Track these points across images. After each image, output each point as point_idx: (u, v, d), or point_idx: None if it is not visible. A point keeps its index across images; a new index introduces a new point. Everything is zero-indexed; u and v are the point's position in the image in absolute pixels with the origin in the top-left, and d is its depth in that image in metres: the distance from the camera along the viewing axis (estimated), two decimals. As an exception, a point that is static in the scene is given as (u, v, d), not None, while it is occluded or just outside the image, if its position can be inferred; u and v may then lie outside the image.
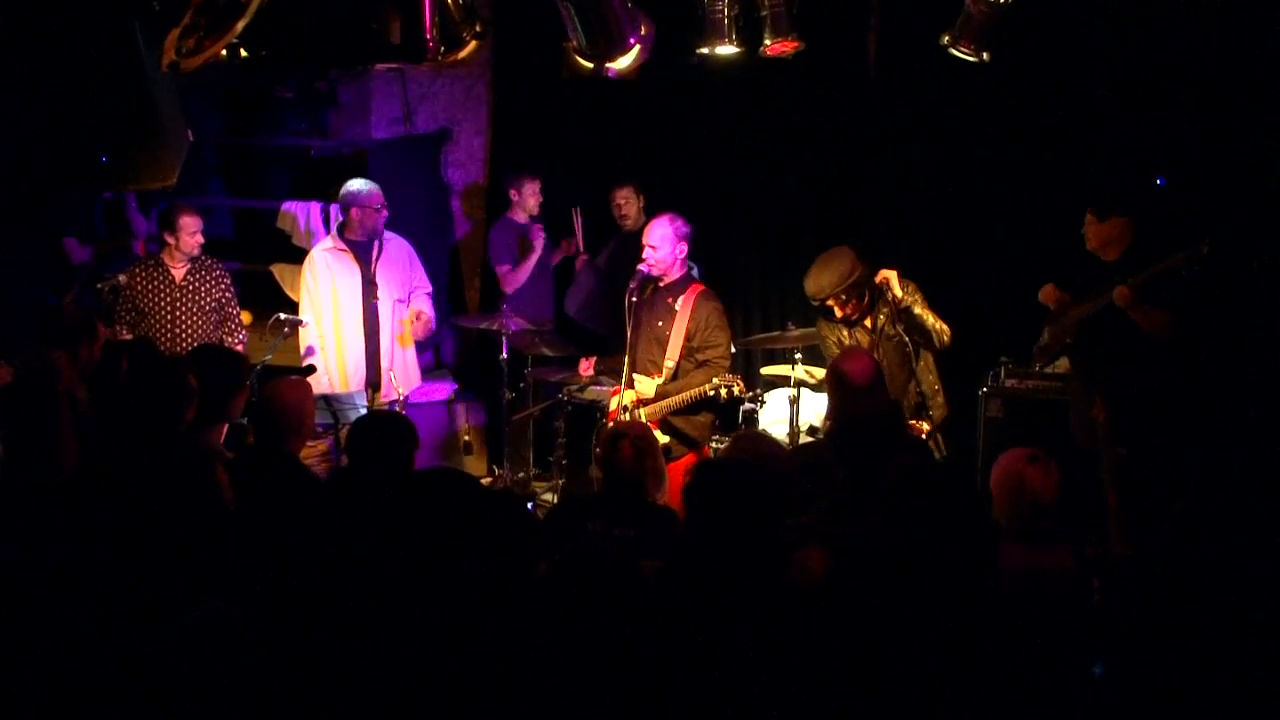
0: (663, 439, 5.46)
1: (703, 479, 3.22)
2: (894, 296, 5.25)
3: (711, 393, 5.38)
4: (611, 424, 5.40)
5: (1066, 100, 6.28)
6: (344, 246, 6.29)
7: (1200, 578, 3.05)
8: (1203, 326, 5.10)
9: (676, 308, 5.53)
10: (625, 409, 5.51)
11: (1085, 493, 4.55)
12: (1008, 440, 5.85)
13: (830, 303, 5.32)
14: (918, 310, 5.25)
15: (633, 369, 5.62)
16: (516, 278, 7.05)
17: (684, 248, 5.58)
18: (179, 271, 6.12)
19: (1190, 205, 5.75)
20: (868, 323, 5.41)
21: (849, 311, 5.35)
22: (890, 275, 5.29)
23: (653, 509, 4.08)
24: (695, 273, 5.96)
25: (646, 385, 5.56)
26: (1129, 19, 5.72)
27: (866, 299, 5.35)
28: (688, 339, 5.49)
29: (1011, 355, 6.01)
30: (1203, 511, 3.16)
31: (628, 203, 6.96)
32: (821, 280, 5.30)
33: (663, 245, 5.54)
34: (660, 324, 5.60)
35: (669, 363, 5.50)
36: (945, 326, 5.31)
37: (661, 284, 5.63)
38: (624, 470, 4.03)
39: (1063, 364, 5.67)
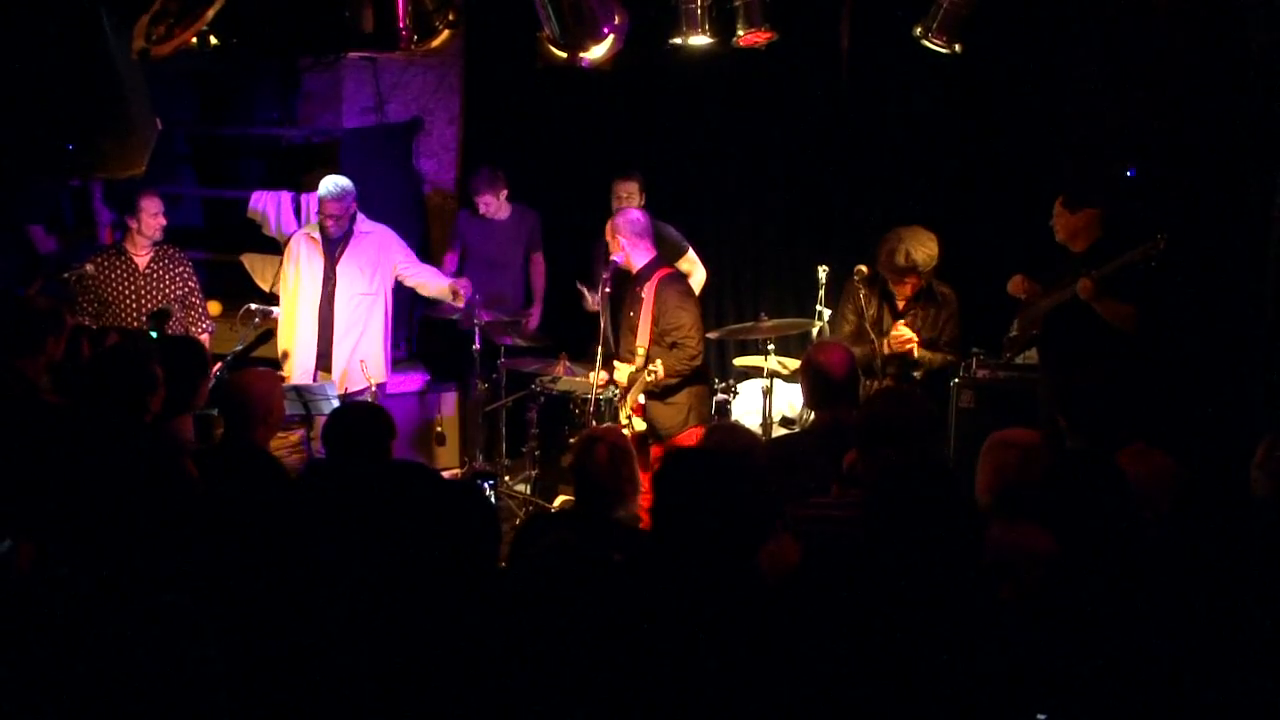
0: (640, 426, 5.57)
1: (673, 468, 3.21)
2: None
3: (649, 377, 5.44)
4: (592, 429, 5.40)
5: (1038, 92, 6.31)
6: (316, 236, 6.34)
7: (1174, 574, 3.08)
8: (1163, 319, 5.14)
9: (643, 295, 5.64)
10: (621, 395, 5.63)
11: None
12: (979, 431, 5.89)
13: (925, 267, 5.34)
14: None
15: (608, 356, 5.71)
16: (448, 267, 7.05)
17: (621, 241, 5.67)
18: (142, 259, 6.07)
19: (1160, 197, 5.79)
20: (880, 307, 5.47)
21: (916, 287, 5.41)
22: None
23: (627, 530, 3.82)
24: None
25: (622, 373, 5.66)
26: (1101, 12, 5.75)
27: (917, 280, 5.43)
28: (654, 323, 5.57)
29: (983, 346, 6.03)
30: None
31: (630, 198, 6.70)
32: (931, 249, 5.35)
33: (613, 241, 5.70)
34: (633, 314, 5.72)
35: (640, 349, 5.59)
36: (937, 356, 5.45)
37: (632, 274, 5.68)
38: (598, 476, 3.77)
39: (1033, 355, 5.70)
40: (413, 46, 5.29)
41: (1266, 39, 5.29)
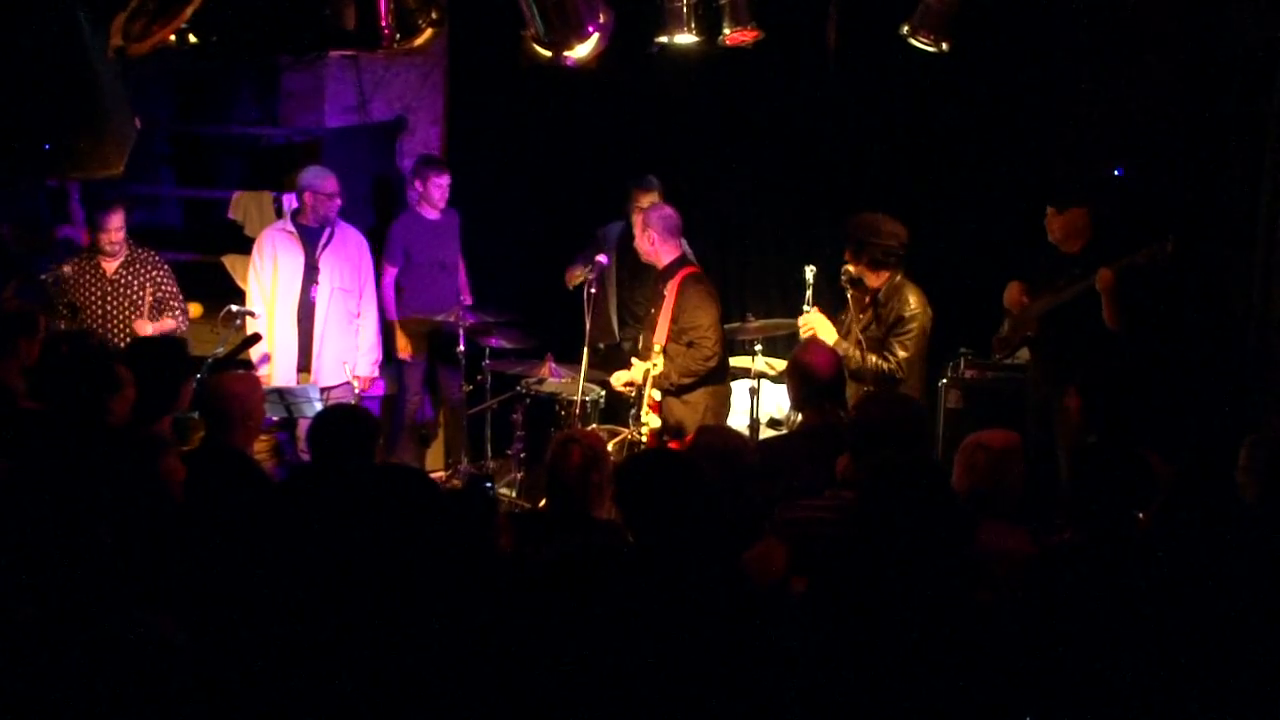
0: (655, 423, 5.55)
1: (627, 473, 3.23)
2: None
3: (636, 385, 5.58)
4: (566, 431, 5.38)
5: (1026, 90, 6.31)
6: (293, 230, 6.31)
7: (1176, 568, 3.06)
8: (1162, 319, 5.13)
9: (665, 293, 5.63)
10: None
11: (1039, 482, 4.55)
12: (967, 431, 5.87)
13: (852, 229, 5.20)
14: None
15: (592, 359, 5.74)
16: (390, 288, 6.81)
17: (654, 235, 5.65)
18: (110, 265, 6.03)
19: (1149, 196, 5.79)
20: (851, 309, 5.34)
21: (858, 264, 5.22)
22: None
23: (598, 526, 3.80)
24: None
25: (637, 370, 5.67)
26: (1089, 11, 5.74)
27: (879, 276, 5.20)
28: (673, 322, 5.57)
29: (971, 346, 6.02)
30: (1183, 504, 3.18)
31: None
32: (864, 220, 5.20)
33: (639, 234, 5.72)
34: (654, 311, 5.72)
35: (656, 347, 5.60)
36: (882, 362, 5.05)
37: (658, 269, 5.72)
38: (568, 478, 3.77)
39: (1022, 355, 5.69)
40: (395, 45, 5.24)
41: (1255, 37, 5.29)
